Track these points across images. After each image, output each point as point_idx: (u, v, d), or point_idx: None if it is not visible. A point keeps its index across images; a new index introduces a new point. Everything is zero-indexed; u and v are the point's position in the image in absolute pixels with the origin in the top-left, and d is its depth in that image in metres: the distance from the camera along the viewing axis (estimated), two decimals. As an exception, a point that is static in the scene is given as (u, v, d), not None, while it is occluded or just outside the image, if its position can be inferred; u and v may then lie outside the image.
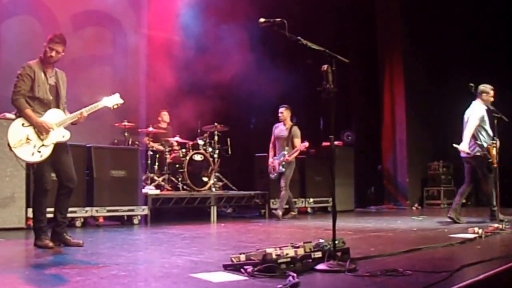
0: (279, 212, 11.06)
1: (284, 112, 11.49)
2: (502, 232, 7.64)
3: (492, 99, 9.40)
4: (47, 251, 6.33)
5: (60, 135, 6.65)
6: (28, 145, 6.44)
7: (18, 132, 6.45)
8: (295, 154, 11.34)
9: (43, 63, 6.72)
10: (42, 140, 6.52)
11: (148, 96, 12.97)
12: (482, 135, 9.37)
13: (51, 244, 6.56)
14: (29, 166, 7.24)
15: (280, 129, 11.57)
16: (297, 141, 11.32)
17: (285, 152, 11.21)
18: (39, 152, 6.49)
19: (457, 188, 15.32)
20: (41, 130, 6.51)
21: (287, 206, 11.53)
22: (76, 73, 10.17)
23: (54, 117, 6.66)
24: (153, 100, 12.83)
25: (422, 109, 15.90)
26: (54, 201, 6.77)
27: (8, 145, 6.41)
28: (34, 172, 6.79)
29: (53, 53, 6.67)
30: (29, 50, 9.38)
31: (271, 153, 11.58)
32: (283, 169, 11.21)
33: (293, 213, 11.57)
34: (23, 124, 6.48)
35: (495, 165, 9.15)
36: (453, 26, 15.31)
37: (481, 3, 14.83)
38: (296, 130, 11.44)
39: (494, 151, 9.17)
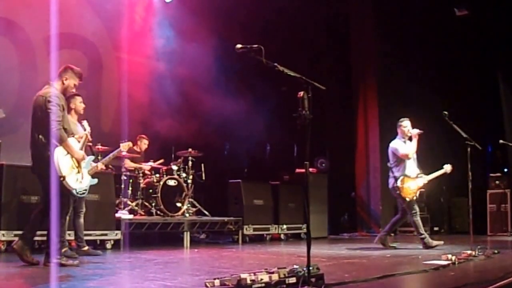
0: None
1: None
2: (475, 259, 7.72)
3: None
4: (17, 274, 6.27)
5: (86, 161, 7.16)
6: (74, 172, 6.83)
7: (65, 161, 6.74)
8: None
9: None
10: (78, 167, 6.93)
11: (123, 120, 12.86)
12: None
13: (35, 260, 6.82)
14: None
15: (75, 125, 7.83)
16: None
17: (93, 157, 7.84)
18: (80, 179, 6.97)
19: (430, 216, 15.52)
20: (80, 160, 6.94)
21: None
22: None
23: (76, 146, 6.99)
24: (128, 124, 12.72)
25: (396, 136, 16.01)
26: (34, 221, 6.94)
27: (59, 175, 6.60)
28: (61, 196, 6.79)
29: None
30: (1, 71, 9.29)
31: None
32: (95, 181, 7.60)
33: (84, 248, 8.68)
34: (63, 153, 6.72)
35: None
36: (427, 54, 15.51)
37: (455, 32, 15.06)
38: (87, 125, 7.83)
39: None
